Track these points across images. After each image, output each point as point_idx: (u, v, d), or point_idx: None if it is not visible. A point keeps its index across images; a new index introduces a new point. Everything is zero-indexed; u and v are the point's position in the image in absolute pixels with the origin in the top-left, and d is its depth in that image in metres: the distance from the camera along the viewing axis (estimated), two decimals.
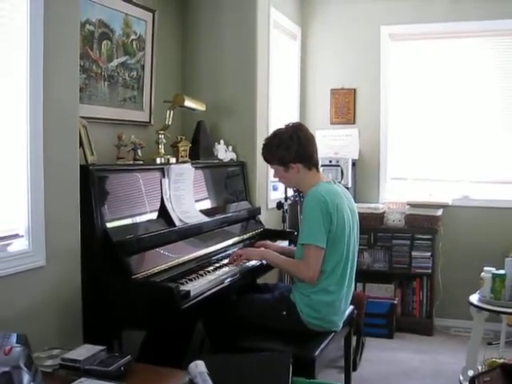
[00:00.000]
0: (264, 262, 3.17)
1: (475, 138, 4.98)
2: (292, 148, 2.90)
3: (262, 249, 3.23)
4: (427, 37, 5.04)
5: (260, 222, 4.04)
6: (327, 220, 2.76)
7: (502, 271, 3.47)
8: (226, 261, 3.14)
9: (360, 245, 4.63)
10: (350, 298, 3.06)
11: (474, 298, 3.57)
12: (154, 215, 3.00)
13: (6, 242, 2.22)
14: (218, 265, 3.08)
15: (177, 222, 3.06)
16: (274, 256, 3.06)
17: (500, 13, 4.69)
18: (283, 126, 3.03)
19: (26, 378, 1.49)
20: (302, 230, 2.87)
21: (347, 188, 4.68)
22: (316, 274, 2.79)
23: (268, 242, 3.44)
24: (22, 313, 2.20)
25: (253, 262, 3.18)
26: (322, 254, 2.78)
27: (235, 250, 3.34)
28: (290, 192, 4.28)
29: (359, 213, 4.60)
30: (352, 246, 2.94)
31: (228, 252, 3.33)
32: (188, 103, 3.64)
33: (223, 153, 4.04)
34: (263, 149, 3.05)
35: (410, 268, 4.83)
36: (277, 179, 3.19)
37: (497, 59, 4.88)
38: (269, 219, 4.30)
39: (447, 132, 5.04)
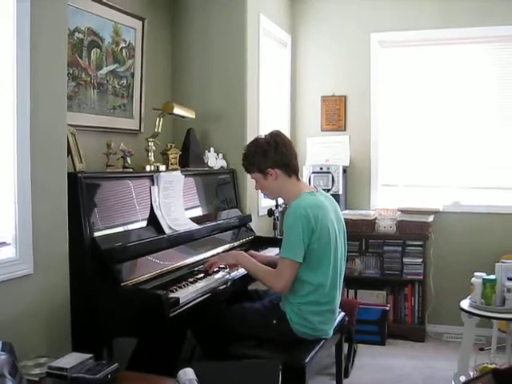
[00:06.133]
0: None
1: (465, 144, 4.99)
2: (269, 153, 2.88)
3: (236, 251, 3.20)
4: (417, 43, 5.07)
5: (251, 230, 4.03)
6: (307, 235, 2.73)
7: (492, 276, 3.47)
8: (215, 268, 3.10)
9: (351, 251, 4.70)
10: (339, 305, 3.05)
11: (465, 304, 3.57)
12: (144, 223, 2.99)
13: None
14: (208, 272, 3.06)
15: (166, 230, 3.06)
16: (247, 261, 3.00)
17: (488, 20, 4.73)
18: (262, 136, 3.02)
19: None
20: (282, 243, 2.82)
21: (338, 195, 4.74)
22: (287, 287, 2.78)
23: (253, 252, 3.38)
24: (8, 321, 2.19)
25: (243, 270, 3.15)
26: (297, 268, 2.76)
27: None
28: (281, 199, 4.27)
29: (350, 219, 4.69)
30: (339, 256, 2.92)
31: None
32: (177, 111, 3.64)
33: (213, 160, 4.04)
34: (243, 159, 3.02)
35: (402, 274, 4.83)
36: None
37: (486, 65, 4.91)
38: (260, 226, 4.30)
39: (438, 138, 5.06)
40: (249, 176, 4.07)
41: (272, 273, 2.85)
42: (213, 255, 3.29)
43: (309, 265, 2.78)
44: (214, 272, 3.05)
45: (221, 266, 3.11)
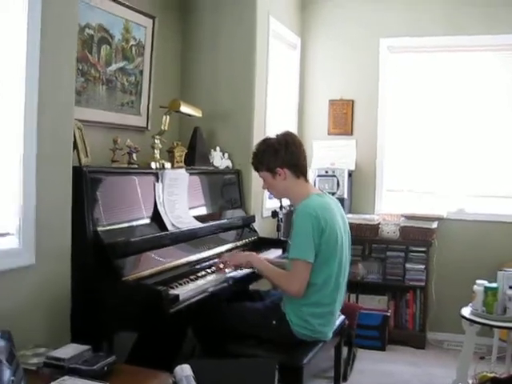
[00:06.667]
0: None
1: (471, 151, 4.99)
2: (279, 152, 2.88)
3: (250, 253, 3.17)
4: (425, 50, 5.08)
5: (254, 230, 4.03)
6: (318, 235, 2.73)
7: (494, 284, 3.46)
8: (229, 270, 3.09)
9: (354, 256, 4.70)
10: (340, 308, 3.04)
11: (466, 311, 3.56)
12: (147, 219, 3.00)
13: None
14: (209, 271, 3.07)
15: (169, 227, 3.07)
16: (261, 262, 2.99)
17: (497, 28, 4.74)
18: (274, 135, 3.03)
19: (6, 373, 1.50)
20: (291, 244, 2.81)
21: (342, 199, 4.74)
22: (302, 290, 2.75)
23: (254, 254, 3.38)
24: (9, 310, 2.19)
25: (246, 271, 3.14)
26: (310, 269, 2.74)
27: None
28: (286, 201, 4.27)
29: (354, 224, 4.69)
30: (344, 259, 2.92)
31: None
32: (184, 109, 3.65)
33: (219, 160, 4.05)
34: (252, 157, 3.03)
35: (404, 280, 4.82)
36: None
37: (494, 74, 4.90)
38: (263, 227, 4.30)
39: (444, 145, 5.06)
40: (254, 177, 4.13)
41: (287, 276, 2.82)
42: (214, 254, 3.30)
43: (314, 265, 2.77)
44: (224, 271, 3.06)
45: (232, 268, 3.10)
